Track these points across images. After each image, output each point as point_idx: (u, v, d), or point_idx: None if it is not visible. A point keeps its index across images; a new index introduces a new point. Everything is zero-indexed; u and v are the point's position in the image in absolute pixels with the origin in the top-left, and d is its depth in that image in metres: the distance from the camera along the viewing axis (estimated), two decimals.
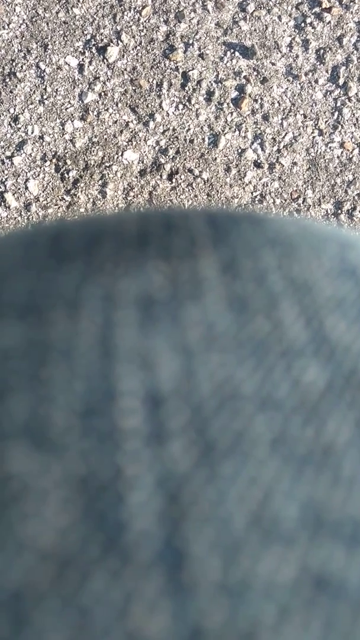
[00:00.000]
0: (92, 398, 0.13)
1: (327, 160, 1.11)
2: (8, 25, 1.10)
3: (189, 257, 0.16)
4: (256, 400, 0.13)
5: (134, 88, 1.10)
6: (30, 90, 1.09)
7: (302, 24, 1.13)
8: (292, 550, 0.11)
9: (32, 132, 1.08)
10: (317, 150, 1.11)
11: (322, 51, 1.13)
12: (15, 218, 1.05)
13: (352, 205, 1.10)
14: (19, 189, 1.06)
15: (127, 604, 0.10)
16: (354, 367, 0.15)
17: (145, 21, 1.11)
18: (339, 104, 1.12)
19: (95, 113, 1.09)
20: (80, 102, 1.09)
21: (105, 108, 1.09)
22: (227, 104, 1.11)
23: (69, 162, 1.08)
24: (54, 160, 1.07)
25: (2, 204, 1.05)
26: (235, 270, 0.16)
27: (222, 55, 1.12)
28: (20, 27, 1.10)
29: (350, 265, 0.18)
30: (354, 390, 0.14)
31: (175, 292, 0.16)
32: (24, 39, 1.10)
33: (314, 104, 1.12)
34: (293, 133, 1.11)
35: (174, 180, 1.08)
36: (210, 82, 1.11)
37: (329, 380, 0.14)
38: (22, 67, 1.09)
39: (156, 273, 0.16)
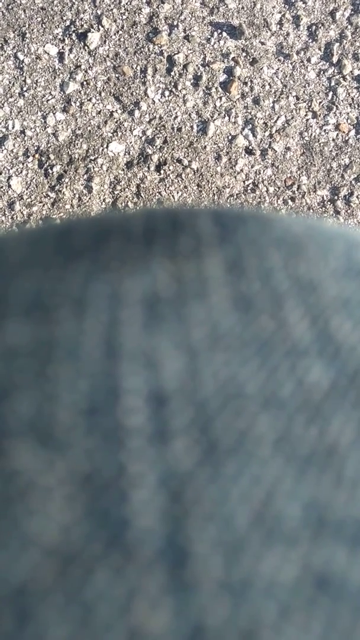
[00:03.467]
0: (96, 396, 0.13)
1: (322, 144, 1.06)
2: None
3: (195, 255, 0.17)
4: (260, 400, 0.14)
5: (117, 75, 1.05)
6: (9, 82, 1.04)
7: None
8: (294, 549, 0.11)
9: (12, 127, 1.04)
10: (311, 134, 1.06)
11: (314, 27, 1.07)
12: None
13: (349, 191, 1.05)
14: (2, 187, 1.02)
15: (130, 601, 0.11)
16: (358, 367, 0.15)
17: (126, 3, 1.06)
18: (333, 84, 1.07)
19: (77, 104, 1.05)
20: (62, 92, 1.05)
21: (88, 98, 1.05)
22: (216, 88, 1.06)
23: (52, 156, 1.03)
24: (37, 156, 1.03)
25: None
26: (240, 270, 0.16)
27: (209, 37, 1.06)
28: None
29: (356, 265, 0.18)
30: (358, 390, 0.14)
31: (180, 291, 0.16)
32: (0, 28, 1.05)
33: (306, 85, 1.07)
34: (285, 116, 1.06)
35: (162, 171, 1.04)
36: (197, 65, 1.06)
37: (333, 380, 0.14)
38: None
39: (162, 272, 0.16)
